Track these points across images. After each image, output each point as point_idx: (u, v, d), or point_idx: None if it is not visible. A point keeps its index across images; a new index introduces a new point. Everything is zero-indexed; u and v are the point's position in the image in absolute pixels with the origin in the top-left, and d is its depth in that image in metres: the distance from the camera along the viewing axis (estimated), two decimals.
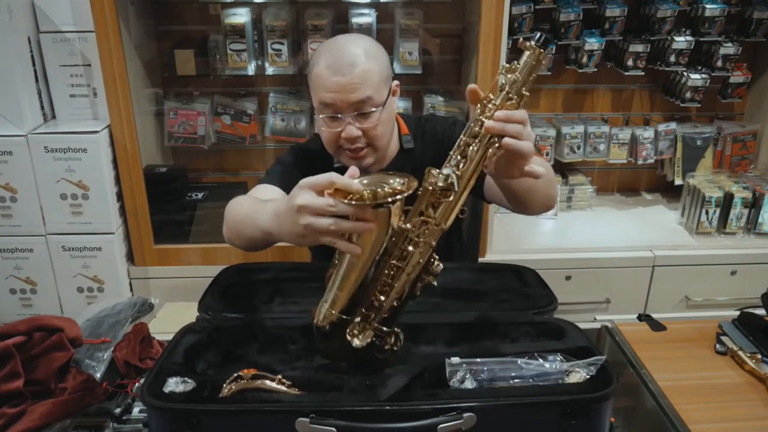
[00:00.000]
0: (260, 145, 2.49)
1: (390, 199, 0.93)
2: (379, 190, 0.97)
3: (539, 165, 1.18)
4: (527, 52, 0.98)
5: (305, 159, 1.51)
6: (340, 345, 1.02)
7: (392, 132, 1.45)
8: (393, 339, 1.04)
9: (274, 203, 1.10)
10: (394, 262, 0.99)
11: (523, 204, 1.29)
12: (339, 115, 1.32)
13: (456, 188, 0.96)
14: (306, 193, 0.94)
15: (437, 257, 1.00)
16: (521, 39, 1.00)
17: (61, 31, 2.13)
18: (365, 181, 0.98)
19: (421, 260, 0.99)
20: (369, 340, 1.02)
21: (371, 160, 1.40)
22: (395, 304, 1.01)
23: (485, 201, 1.51)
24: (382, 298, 1.00)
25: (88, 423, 1.12)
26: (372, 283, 1.00)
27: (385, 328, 1.02)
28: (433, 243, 0.98)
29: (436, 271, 1.01)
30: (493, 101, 0.98)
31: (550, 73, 2.41)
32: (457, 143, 0.99)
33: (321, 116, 1.34)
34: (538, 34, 0.97)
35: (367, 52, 1.32)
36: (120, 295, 2.17)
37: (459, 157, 0.98)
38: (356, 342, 1.01)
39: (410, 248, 0.97)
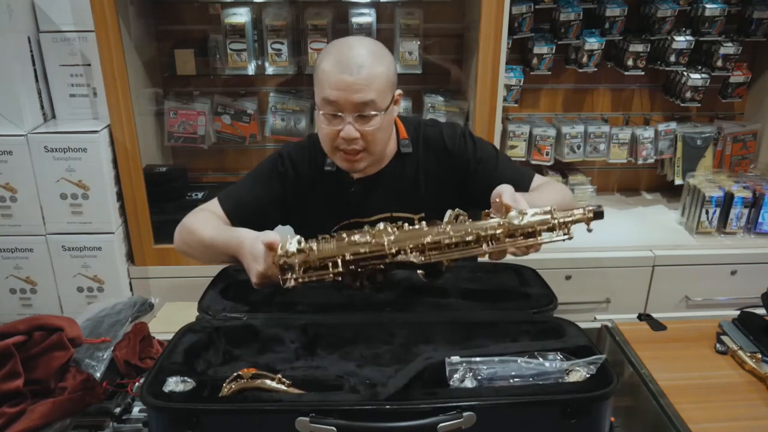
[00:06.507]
0: (260, 144, 2.49)
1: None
2: None
3: (553, 191, 1.36)
4: (582, 210, 1.11)
5: (285, 171, 1.49)
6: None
7: (390, 138, 1.45)
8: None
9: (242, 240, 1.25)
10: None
11: None
12: (340, 114, 1.32)
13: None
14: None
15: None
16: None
17: (61, 31, 2.14)
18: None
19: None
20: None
21: (365, 164, 1.40)
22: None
23: None
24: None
25: (87, 422, 1.12)
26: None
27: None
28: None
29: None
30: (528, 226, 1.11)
31: (550, 72, 2.41)
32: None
33: (321, 113, 1.34)
34: (601, 209, 1.12)
35: (377, 56, 1.33)
36: (120, 295, 2.16)
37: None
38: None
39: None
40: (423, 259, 1.12)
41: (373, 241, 1.12)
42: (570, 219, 1.11)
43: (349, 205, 1.46)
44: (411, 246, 1.11)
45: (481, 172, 1.45)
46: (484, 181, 1.44)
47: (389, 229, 1.14)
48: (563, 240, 1.11)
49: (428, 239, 1.11)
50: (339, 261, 1.12)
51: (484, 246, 1.11)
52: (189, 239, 1.41)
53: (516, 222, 1.10)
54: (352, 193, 1.46)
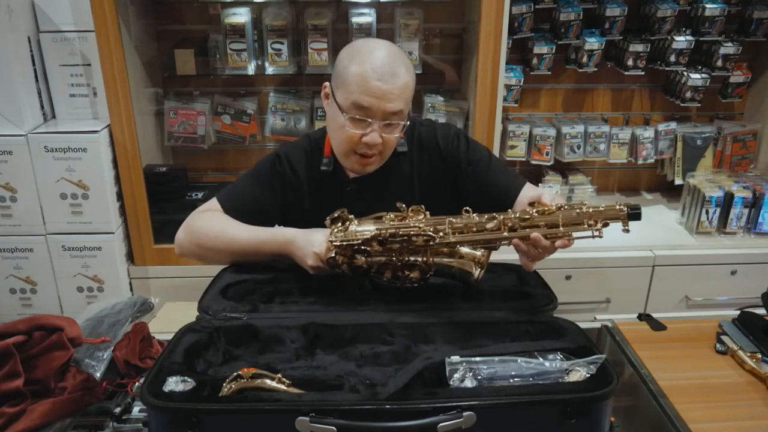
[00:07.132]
0: (260, 144, 2.48)
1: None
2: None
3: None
4: (618, 209, 1.10)
5: (283, 172, 1.48)
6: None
7: None
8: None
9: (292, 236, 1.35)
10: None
11: None
12: (369, 120, 1.31)
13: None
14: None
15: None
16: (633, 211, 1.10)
17: (61, 31, 2.14)
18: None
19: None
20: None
21: (376, 167, 1.41)
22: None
23: None
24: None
25: (87, 422, 1.12)
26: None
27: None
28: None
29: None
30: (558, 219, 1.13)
31: (550, 72, 2.41)
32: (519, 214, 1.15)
33: (347, 116, 1.32)
34: (639, 209, 1.09)
35: (406, 65, 1.33)
36: (120, 295, 2.16)
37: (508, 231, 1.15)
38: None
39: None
40: (442, 235, 1.16)
41: (402, 218, 1.21)
42: (604, 215, 1.10)
43: (345, 205, 1.46)
44: (435, 226, 1.17)
45: (472, 174, 1.45)
46: (474, 182, 1.44)
47: (421, 210, 1.21)
48: (593, 237, 1.11)
49: (454, 219, 1.17)
50: (372, 229, 1.21)
51: (508, 232, 1.15)
52: (204, 241, 1.40)
53: (546, 212, 1.13)
54: (348, 192, 1.46)
